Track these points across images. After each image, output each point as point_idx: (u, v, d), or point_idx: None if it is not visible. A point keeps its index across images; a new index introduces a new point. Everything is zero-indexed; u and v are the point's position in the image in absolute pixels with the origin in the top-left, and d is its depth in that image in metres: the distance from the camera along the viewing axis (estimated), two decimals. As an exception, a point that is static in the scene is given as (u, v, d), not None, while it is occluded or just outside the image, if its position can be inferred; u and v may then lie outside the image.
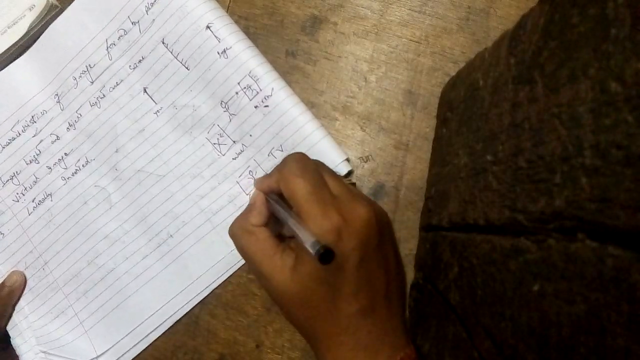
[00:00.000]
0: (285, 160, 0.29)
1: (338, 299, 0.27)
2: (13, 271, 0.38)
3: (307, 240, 0.25)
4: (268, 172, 0.35)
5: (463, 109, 0.27)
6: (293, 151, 0.34)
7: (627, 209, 0.14)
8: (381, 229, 0.29)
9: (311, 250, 0.24)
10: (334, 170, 0.34)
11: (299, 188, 0.27)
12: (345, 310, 0.27)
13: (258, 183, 0.32)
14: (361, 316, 0.27)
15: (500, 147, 0.21)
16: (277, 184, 0.29)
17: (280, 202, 0.30)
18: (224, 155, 0.36)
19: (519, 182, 0.19)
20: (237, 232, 0.30)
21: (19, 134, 0.40)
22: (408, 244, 0.34)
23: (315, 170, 0.28)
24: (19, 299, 0.38)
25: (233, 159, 0.36)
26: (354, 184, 0.34)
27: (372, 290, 0.28)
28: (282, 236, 0.31)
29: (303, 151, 0.34)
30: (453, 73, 0.33)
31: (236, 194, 0.36)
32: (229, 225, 0.31)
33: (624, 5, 0.15)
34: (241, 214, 0.31)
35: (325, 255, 0.23)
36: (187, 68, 0.37)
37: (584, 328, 0.15)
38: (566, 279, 0.16)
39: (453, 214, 0.26)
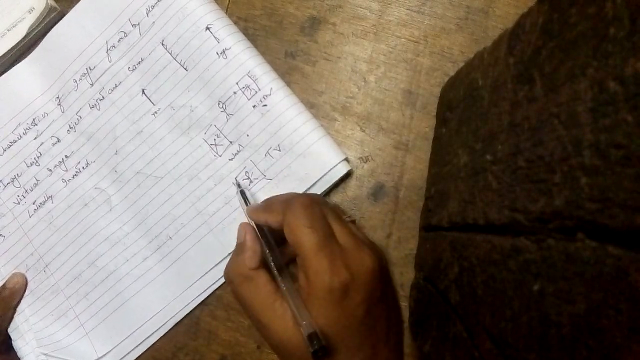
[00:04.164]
0: (291, 203, 0.28)
1: (341, 353, 0.26)
2: (14, 273, 0.38)
3: (305, 329, 0.25)
4: (265, 173, 0.35)
5: (462, 108, 0.27)
6: (291, 151, 0.34)
7: (627, 209, 0.14)
8: (383, 274, 0.28)
9: (307, 342, 0.24)
10: (333, 170, 0.34)
11: (307, 240, 0.26)
12: None
13: (254, 214, 0.30)
14: None
15: (500, 147, 0.21)
16: (278, 224, 0.27)
17: (271, 240, 0.29)
18: (220, 156, 0.36)
19: (519, 182, 0.19)
20: (235, 278, 0.29)
21: (20, 137, 0.40)
22: (408, 244, 0.34)
23: (323, 218, 0.27)
24: (20, 301, 0.38)
25: (229, 159, 0.36)
26: (353, 221, 0.33)
27: (374, 339, 0.27)
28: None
29: (301, 151, 0.34)
30: (452, 73, 0.33)
31: (232, 195, 0.36)
32: (224, 269, 0.30)
33: (623, 5, 0.15)
34: (234, 256, 0.30)
35: (320, 350, 0.23)
36: (185, 69, 0.37)
37: (584, 328, 0.15)
38: (566, 278, 0.16)
39: (453, 213, 0.26)
